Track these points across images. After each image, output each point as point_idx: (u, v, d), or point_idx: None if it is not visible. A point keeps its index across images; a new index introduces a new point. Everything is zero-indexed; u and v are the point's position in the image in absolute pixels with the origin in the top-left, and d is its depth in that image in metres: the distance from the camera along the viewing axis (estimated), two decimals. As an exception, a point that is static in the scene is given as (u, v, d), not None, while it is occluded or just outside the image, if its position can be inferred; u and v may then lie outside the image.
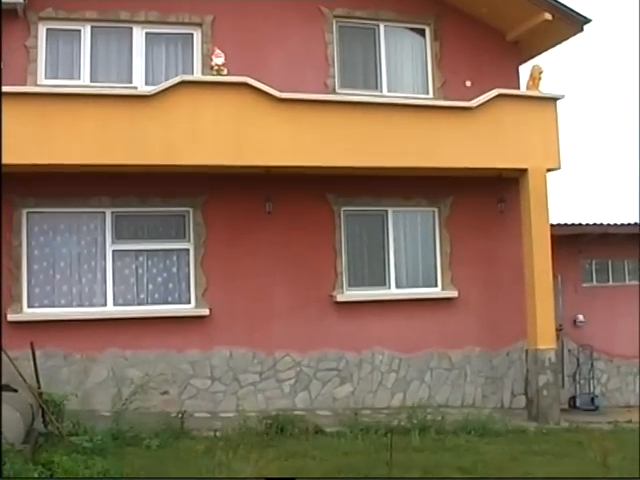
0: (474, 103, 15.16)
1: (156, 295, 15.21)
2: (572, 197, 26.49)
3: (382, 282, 16.15)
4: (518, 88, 16.77)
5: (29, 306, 14.65)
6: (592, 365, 18.16)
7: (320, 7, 16.49)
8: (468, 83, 16.86)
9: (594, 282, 18.91)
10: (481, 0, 16.73)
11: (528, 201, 15.41)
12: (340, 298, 15.65)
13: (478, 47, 17.12)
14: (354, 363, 15.74)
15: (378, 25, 17.00)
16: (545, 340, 15.19)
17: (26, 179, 14.19)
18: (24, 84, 14.82)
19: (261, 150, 14.07)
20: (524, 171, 15.42)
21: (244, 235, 15.34)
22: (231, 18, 15.92)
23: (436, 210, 16.53)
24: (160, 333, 14.82)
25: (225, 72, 14.51)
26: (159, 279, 15.25)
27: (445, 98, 16.54)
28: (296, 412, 14.36)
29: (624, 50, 42.10)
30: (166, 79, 14.62)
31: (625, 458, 10.96)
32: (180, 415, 12.95)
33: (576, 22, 16.48)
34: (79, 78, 15.48)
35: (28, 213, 14.76)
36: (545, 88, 15.79)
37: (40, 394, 12.34)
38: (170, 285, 15.27)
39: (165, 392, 14.74)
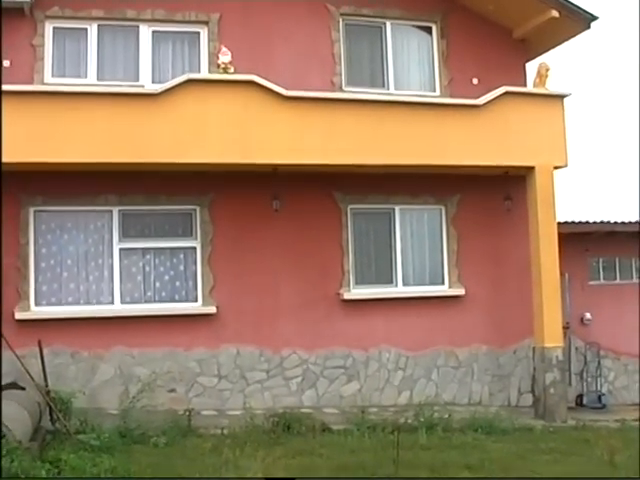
0: (481, 101, 15.15)
1: (163, 293, 15.23)
2: (579, 195, 26.41)
3: (389, 280, 16.15)
4: (525, 86, 16.75)
5: (36, 304, 14.67)
6: (599, 363, 18.11)
7: (326, 5, 16.49)
8: (475, 81, 16.84)
9: (601, 280, 18.86)
10: (488, -3, 16.77)
11: (535, 199, 15.39)
12: (347, 296, 15.65)
13: (485, 45, 17.09)
14: (361, 361, 15.74)
15: (385, 23, 16.99)
16: (552, 338, 15.17)
17: (33, 177, 14.22)
18: (31, 83, 14.84)
19: (268, 148, 14.07)
20: (531, 169, 15.41)
21: (251, 233, 15.35)
22: (238, 16, 15.92)
23: (443, 208, 16.52)
24: (167, 331, 14.83)
25: (232, 70, 14.50)
26: (166, 277, 15.26)
27: (452, 96, 16.53)
28: (303, 410, 14.40)
29: (631, 47, 41.95)
30: (173, 77, 14.60)
31: (632, 456, 10.96)
32: (187, 413, 12.99)
33: (583, 19, 16.46)
34: (86, 77, 15.49)
35: (35, 211, 14.78)
36: (552, 86, 15.77)
37: (48, 392, 12.38)
38: (177, 283, 15.28)
39: (172, 390, 14.76)
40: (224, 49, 14.75)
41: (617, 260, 19.03)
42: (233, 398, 15.05)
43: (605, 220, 18.09)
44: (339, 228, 15.86)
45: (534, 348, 15.56)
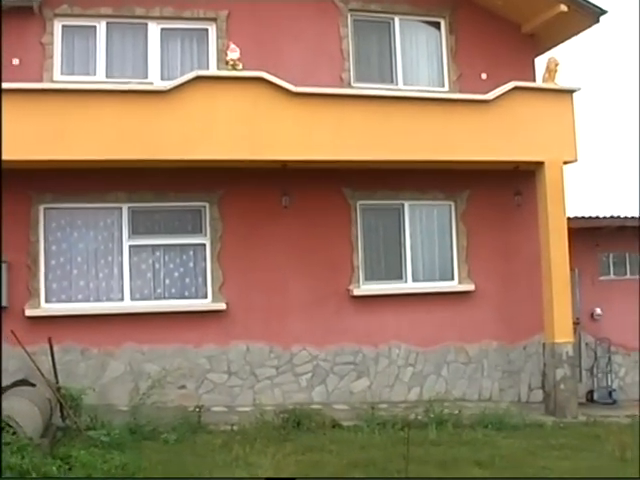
0: (490, 96, 15.12)
1: (173, 290, 15.25)
2: (589, 190, 26.37)
3: (399, 276, 16.14)
4: (534, 81, 16.71)
5: (47, 301, 14.70)
6: (610, 359, 18.07)
7: (335, 1, 16.49)
8: (484, 76, 16.82)
9: (611, 275, 18.80)
10: (496, -8, 16.74)
11: (545, 194, 15.36)
12: (357, 292, 15.65)
13: (494, 40, 17.06)
14: (371, 357, 15.74)
15: (393, 18, 16.98)
16: (562, 334, 15.14)
17: (43, 175, 14.26)
18: (40, 81, 14.88)
19: (277, 144, 14.07)
20: (541, 164, 15.37)
21: (260, 230, 15.36)
22: (246, 13, 15.92)
23: (452, 204, 16.50)
24: (177, 328, 14.86)
25: (240, 67, 14.50)
26: (176, 274, 15.28)
27: (461, 91, 16.51)
28: (313, 406, 14.42)
29: (641, 42, 41.84)
30: (181, 74, 14.61)
31: (643, 451, 10.95)
32: (197, 409, 13.00)
33: (592, 13, 16.41)
34: (94, 74, 15.52)
35: (45, 209, 14.82)
36: (561, 80, 15.73)
37: (58, 389, 12.43)
38: (187, 280, 15.30)
39: (182, 386, 14.78)
40: (232, 46, 14.75)
41: (627, 255, 18.95)
42: (243, 394, 15.06)
43: (615, 215, 18.02)
44: (348, 224, 15.85)
45: (544, 344, 15.54)
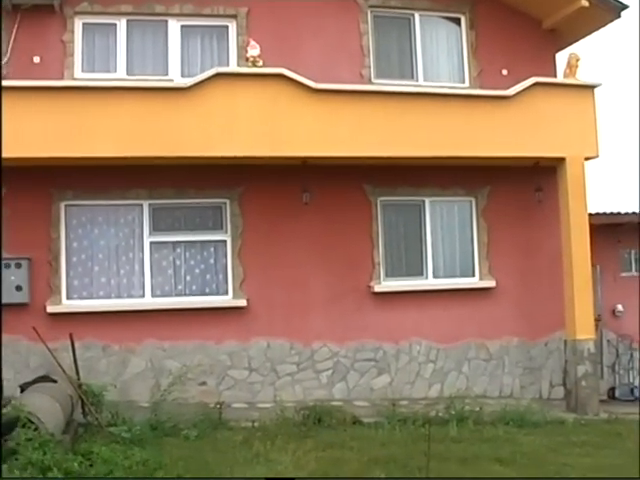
0: (511, 92, 15.06)
1: (194, 286, 15.28)
2: (611, 186, 26.24)
3: (419, 272, 16.11)
4: (555, 76, 16.63)
5: (68, 298, 14.77)
6: (631, 355, 17.99)
7: (355, -3, 16.50)
8: (504, 72, 16.74)
9: (633, 271, 18.69)
10: (517, -13, 16.69)
11: (566, 190, 15.29)
12: (377, 288, 15.63)
13: (514, 35, 16.99)
14: (392, 354, 15.72)
15: (413, 14, 16.94)
16: (584, 330, 15.07)
17: (64, 172, 14.32)
18: (61, 78, 14.93)
19: (297, 141, 14.07)
20: (562, 160, 15.30)
21: (281, 226, 15.36)
22: (266, 9, 15.91)
23: (473, 200, 16.45)
24: (198, 324, 14.88)
25: (260, 63, 14.51)
26: (196, 270, 15.31)
27: (481, 87, 16.46)
28: (333, 403, 14.42)
29: (663, 37, 41.57)
30: (202, 71, 14.63)
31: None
32: (218, 406, 13.04)
33: (613, 8, 16.33)
34: (115, 71, 15.58)
35: (66, 206, 14.88)
36: (582, 76, 15.65)
37: (79, 385, 12.48)
38: (207, 276, 15.33)
39: (203, 383, 14.81)
40: (252, 42, 14.76)
41: (649, 251, 18.87)
42: (264, 391, 15.08)
43: (637, 211, 17.92)
44: (369, 220, 15.83)
45: (565, 341, 15.46)
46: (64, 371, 12.36)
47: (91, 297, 14.89)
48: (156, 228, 15.15)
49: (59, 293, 14.65)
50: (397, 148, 14.50)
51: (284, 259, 15.31)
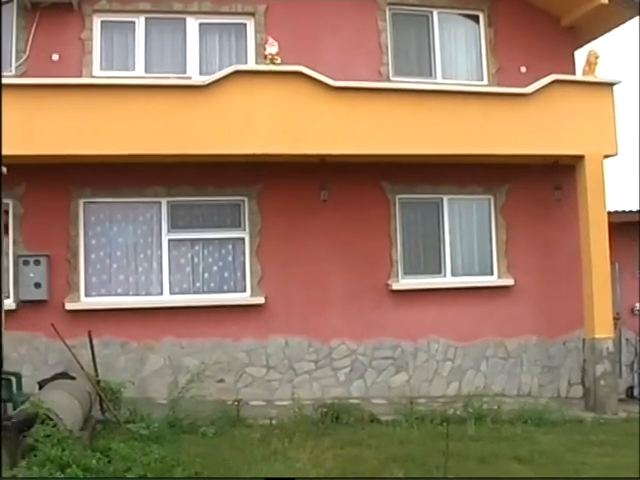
0: (529, 89, 15.00)
1: (212, 284, 15.30)
2: (630, 184, 26.12)
3: (437, 270, 16.08)
4: (574, 74, 16.56)
5: (86, 295, 14.82)
6: (650, 354, 17.93)
7: (373, -6, 16.47)
8: (523, 69, 16.69)
9: (652, 269, 18.63)
10: (535, -15, 16.64)
11: (585, 188, 15.22)
12: (395, 286, 15.61)
13: (533, 32, 16.93)
14: (410, 352, 15.70)
15: (431, 12, 16.91)
16: (602, 329, 15.01)
17: (82, 170, 14.38)
18: (79, 76, 15.00)
19: (315, 138, 14.06)
20: (581, 158, 15.23)
21: (299, 223, 15.36)
22: (284, 7, 15.91)
23: (492, 198, 16.41)
24: (216, 322, 14.90)
25: (279, 61, 14.51)
26: (215, 268, 15.33)
27: (500, 84, 16.42)
28: (351, 400, 14.38)
29: (683, 34, 41.33)
30: (220, 69, 14.63)
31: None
32: (236, 403, 13.05)
33: (632, 6, 16.23)
34: (133, 69, 15.61)
35: (85, 203, 14.92)
36: (601, 73, 15.57)
37: (98, 382, 12.51)
38: (226, 274, 15.34)
39: (221, 380, 14.82)
40: (271, 40, 14.75)
41: (669, 250, 18.75)
42: (281, 388, 15.09)
43: (657, 209, 17.84)
44: (387, 218, 15.81)
45: (584, 339, 15.41)
46: (82, 368, 12.39)
47: (109, 294, 14.93)
48: (174, 226, 15.18)
49: (78, 290, 14.70)
50: (415, 146, 14.48)
51: (302, 257, 15.31)
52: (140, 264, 15.12)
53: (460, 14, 17.18)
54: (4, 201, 12.92)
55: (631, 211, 17.56)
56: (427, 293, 15.77)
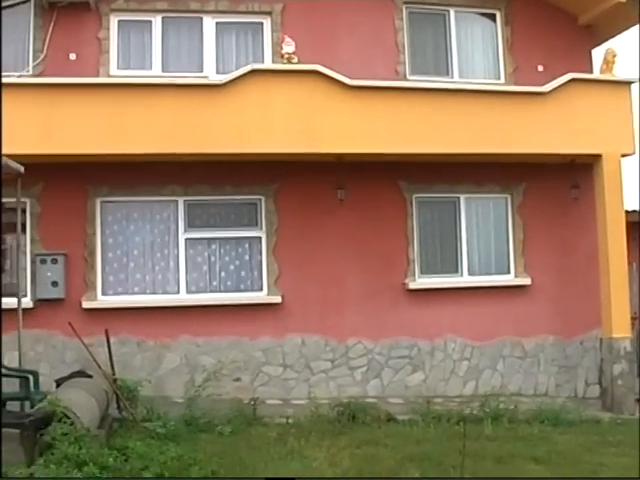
0: (547, 88, 14.96)
1: (228, 283, 15.31)
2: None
3: (454, 269, 16.05)
4: (591, 72, 16.52)
5: (103, 294, 14.86)
6: (668, 354, 17.83)
7: (390, -7, 16.45)
8: (540, 68, 16.63)
9: (670, 269, 18.53)
10: (553, -17, 16.59)
11: (602, 187, 15.18)
12: (412, 286, 15.59)
13: (550, 31, 16.87)
14: (426, 351, 15.67)
15: (448, 10, 16.88)
16: (620, 328, 14.96)
17: (100, 169, 14.42)
18: (97, 75, 15.05)
19: (332, 137, 14.06)
20: (598, 157, 15.19)
21: (316, 223, 15.36)
22: (300, 6, 15.90)
23: (509, 197, 16.36)
24: (232, 320, 14.91)
25: (295, 60, 14.52)
26: (231, 267, 15.34)
27: (517, 83, 16.36)
28: (368, 400, 14.36)
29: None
30: (237, 68, 14.66)
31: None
32: (252, 402, 13.05)
33: (650, 4, 16.19)
34: (150, 68, 15.64)
35: (102, 202, 14.96)
36: (619, 72, 15.52)
37: (114, 380, 12.52)
38: (242, 273, 15.35)
39: (237, 379, 14.84)
40: (287, 39, 14.78)
41: (686, 249, 18.66)
42: (298, 387, 15.09)
43: (675, 208, 17.76)
44: (404, 217, 15.79)
45: (601, 339, 15.37)
46: (99, 366, 12.41)
47: (126, 293, 14.97)
48: (191, 224, 15.20)
49: (94, 289, 14.74)
50: (432, 145, 14.46)
51: (319, 256, 15.31)
52: (157, 263, 15.16)
53: (477, 13, 17.15)
54: (22, 199, 12.94)
55: (648, 210, 17.50)
56: (444, 292, 15.74)
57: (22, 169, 11.69)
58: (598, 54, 16.60)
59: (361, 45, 16.02)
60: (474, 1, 16.92)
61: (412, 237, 15.80)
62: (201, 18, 15.95)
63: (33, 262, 14.49)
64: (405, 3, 16.55)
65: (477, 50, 17.09)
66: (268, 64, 15.58)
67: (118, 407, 12.34)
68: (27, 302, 14.03)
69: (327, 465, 10.05)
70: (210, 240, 15.30)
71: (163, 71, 15.60)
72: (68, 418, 9.63)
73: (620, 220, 15.09)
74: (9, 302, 13.00)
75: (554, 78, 15.13)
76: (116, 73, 15.34)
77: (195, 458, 9.75)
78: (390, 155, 14.56)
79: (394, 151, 14.41)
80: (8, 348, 13.16)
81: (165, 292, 15.09)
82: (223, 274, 15.31)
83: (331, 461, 10.24)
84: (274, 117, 13.91)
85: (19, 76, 14.61)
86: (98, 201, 14.91)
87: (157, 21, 15.80)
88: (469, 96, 14.83)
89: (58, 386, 11.78)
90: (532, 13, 16.89)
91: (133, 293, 14.99)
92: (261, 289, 15.32)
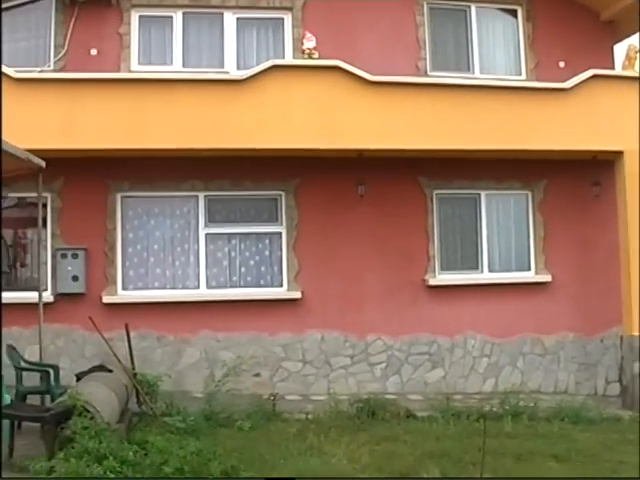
0: (568, 84, 14.89)
1: (248, 278, 15.33)
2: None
3: (474, 266, 16.01)
4: (613, 68, 16.44)
5: (123, 288, 14.91)
6: (689, 352, 17.73)
7: (411, -11, 16.41)
8: (561, 64, 16.56)
9: (692, 267, 18.40)
10: (574, -21, 16.51)
11: (623, 184, 15.08)
12: (432, 282, 15.56)
13: (571, 27, 16.80)
14: (446, 347, 15.64)
15: (469, 6, 16.84)
16: (641, 326, 14.90)
17: (120, 164, 14.44)
18: (118, 71, 15.10)
19: (353, 133, 14.04)
20: (619, 153, 15.09)
21: (336, 218, 15.35)
22: (321, 2, 15.91)
23: (529, 193, 16.30)
24: (252, 316, 14.93)
25: (316, 56, 14.54)
26: (251, 262, 15.36)
27: (538, 79, 16.30)
28: (387, 396, 14.31)
29: None
30: (257, 64, 14.69)
31: None
32: (272, 397, 13.05)
33: (673, 0, 16.09)
34: (171, 64, 15.69)
35: (122, 197, 15.01)
36: (641, 68, 15.46)
37: (134, 375, 12.54)
38: (262, 268, 15.36)
39: (257, 374, 14.86)
40: (308, 35, 14.81)
41: None
42: (317, 383, 15.10)
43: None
44: (424, 214, 15.76)
45: (622, 336, 15.29)
46: (119, 361, 12.43)
47: (146, 288, 15.02)
48: (211, 220, 15.22)
49: (115, 283, 14.79)
50: (453, 141, 14.41)
51: (339, 251, 15.30)
52: (177, 258, 15.19)
53: (498, 8, 17.09)
54: (43, 194, 12.96)
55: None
56: (464, 289, 15.70)
57: (43, 164, 11.72)
58: (620, 50, 16.52)
59: (382, 41, 16.00)
60: (495, -3, 16.92)
61: (432, 233, 15.77)
62: (222, 14, 15.97)
63: (54, 257, 14.56)
64: (426, -1, 16.55)
65: (498, 46, 17.04)
66: (289, 60, 15.57)
67: (138, 401, 12.37)
68: (48, 296, 14.09)
69: (346, 461, 10.04)
70: (230, 235, 15.32)
71: (184, 67, 15.64)
72: (88, 412, 9.66)
73: (641, 217, 15.02)
74: (30, 296, 13.14)
75: (575, 74, 15.04)
76: (137, 68, 15.39)
77: (215, 453, 9.74)
78: (411, 151, 14.52)
79: (415, 147, 14.37)
80: (29, 342, 13.34)
81: (185, 287, 15.13)
82: (243, 269, 15.33)
83: (350, 457, 10.23)
84: (295, 113, 13.91)
85: (40, 71, 14.69)
86: (119, 196, 14.96)
87: (178, 16, 15.83)
88: (490, 92, 14.77)
89: (78, 380, 11.81)
90: (553, 9, 16.82)
91: (153, 288, 15.04)
92: (281, 285, 15.33)
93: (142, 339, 14.43)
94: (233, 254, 15.31)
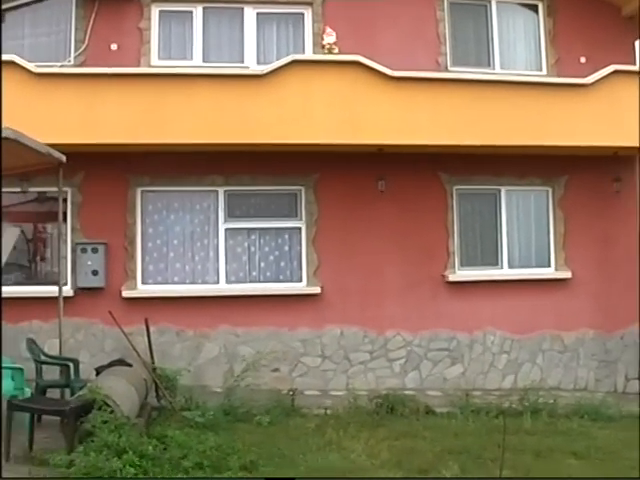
0: (589, 80, 14.83)
1: (268, 273, 15.34)
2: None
3: (494, 262, 15.96)
4: (634, 64, 16.31)
5: (143, 283, 14.95)
6: None
7: (431, -16, 16.36)
8: (583, 60, 16.45)
9: None
10: (596, -26, 16.41)
11: (644, 180, 15.05)
12: (452, 278, 15.53)
13: (593, 23, 16.68)
14: (465, 344, 15.61)
15: (490, 1, 16.74)
16: (661, 323, 14.85)
17: (140, 158, 14.46)
18: (138, 66, 15.08)
19: (373, 129, 14.02)
20: (640, 150, 15.06)
21: (356, 214, 15.33)
22: (342, -4, 15.89)
23: (550, 189, 16.24)
24: (271, 311, 14.94)
25: (336, 51, 14.53)
26: (271, 257, 15.36)
27: (559, 75, 16.21)
28: (406, 392, 14.29)
29: None
30: (277, 59, 14.66)
31: None
32: (291, 392, 13.06)
33: (695, -7, 15.99)
34: (191, 59, 15.66)
35: (142, 192, 15.04)
36: (663, 64, 15.38)
37: (154, 369, 12.59)
38: (282, 263, 15.37)
39: (276, 369, 14.86)
40: (328, 30, 14.80)
41: None
42: (336, 378, 15.09)
43: None
44: (444, 209, 15.72)
45: (642, 334, 15.26)
46: (139, 355, 12.47)
47: (166, 282, 15.05)
48: (231, 215, 15.24)
49: (134, 278, 14.83)
50: (474, 136, 14.37)
51: (359, 247, 15.28)
52: (197, 253, 15.21)
53: (519, 4, 17.00)
54: (63, 188, 12.99)
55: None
56: (484, 285, 15.66)
57: (64, 158, 11.76)
58: (642, 46, 16.45)
59: (402, 36, 15.93)
60: (516, -8, 16.84)
61: (452, 229, 15.73)
62: (242, 9, 15.95)
63: (74, 251, 14.61)
64: (447, -6, 16.50)
65: (519, 41, 16.95)
66: (309, 55, 15.55)
67: (157, 396, 12.41)
68: (67, 290, 14.13)
69: (365, 457, 10.06)
70: (250, 230, 15.33)
71: (204, 61, 15.61)
72: (108, 406, 9.68)
73: (662, 214, 14.96)
74: (50, 290, 13.20)
75: (597, 70, 14.98)
76: (157, 63, 15.38)
77: (234, 448, 9.77)
78: (431, 146, 14.50)
79: (435, 143, 14.34)
80: (49, 336, 13.40)
81: (205, 282, 15.14)
82: (262, 264, 15.34)
83: (369, 453, 10.24)
84: (315, 108, 13.91)
85: (61, 66, 14.72)
86: (139, 190, 14.99)
87: (198, 11, 15.82)
88: (511, 87, 14.72)
89: (98, 374, 11.86)
90: (575, 4, 16.71)
91: (173, 283, 15.07)
92: (300, 280, 15.33)
93: (161, 334, 14.47)
94: (253, 249, 15.32)
